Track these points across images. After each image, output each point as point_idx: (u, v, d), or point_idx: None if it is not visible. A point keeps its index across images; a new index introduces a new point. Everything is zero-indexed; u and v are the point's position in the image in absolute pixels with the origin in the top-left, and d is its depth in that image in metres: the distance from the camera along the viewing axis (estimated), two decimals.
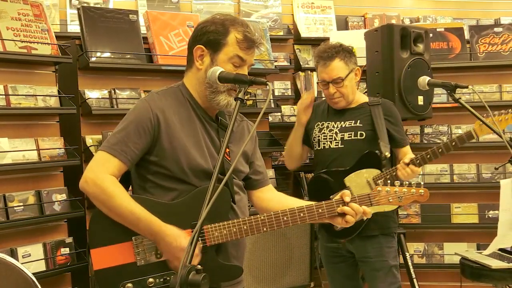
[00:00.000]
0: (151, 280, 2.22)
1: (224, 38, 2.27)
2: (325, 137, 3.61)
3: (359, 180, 3.46)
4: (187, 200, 2.25)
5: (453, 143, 3.22)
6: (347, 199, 2.31)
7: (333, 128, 3.60)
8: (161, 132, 2.26)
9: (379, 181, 3.40)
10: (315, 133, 3.67)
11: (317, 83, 3.59)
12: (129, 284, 2.21)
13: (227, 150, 2.37)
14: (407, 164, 3.32)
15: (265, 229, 2.25)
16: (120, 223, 2.21)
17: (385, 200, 2.37)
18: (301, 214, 2.29)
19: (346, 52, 3.53)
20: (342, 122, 3.58)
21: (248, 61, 2.32)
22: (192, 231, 2.15)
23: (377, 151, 3.45)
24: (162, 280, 2.22)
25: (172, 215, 2.21)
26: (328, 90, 3.52)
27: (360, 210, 2.31)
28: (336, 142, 3.55)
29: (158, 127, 2.26)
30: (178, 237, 2.17)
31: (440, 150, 3.26)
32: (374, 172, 3.44)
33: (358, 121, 3.54)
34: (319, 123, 3.68)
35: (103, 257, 2.22)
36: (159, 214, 2.19)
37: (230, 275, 2.32)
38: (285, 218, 2.27)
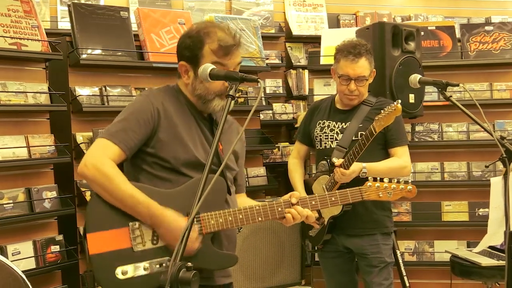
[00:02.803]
0: (146, 265, 2.22)
1: (200, 52, 2.31)
2: (326, 137, 3.60)
3: (319, 187, 3.57)
4: (183, 189, 2.28)
5: (363, 142, 3.27)
6: (294, 200, 2.38)
7: (334, 128, 3.59)
8: (160, 125, 2.30)
9: (324, 185, 3.52)
10: (316, 131, 3.66)
11: (339, 77, 3.50)
12: (125, 269, 2.21)
13: (220, 147, 2.42)
14: (339, 167, 3.35)
15: (260, 218, 2.32)
16: (117, 209, 2.22)
17: (375, 194, 2.49)
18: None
19: (370, 53, 3.53)
20: (344, 124, 3.57)
21: (230, 65, 2.33)
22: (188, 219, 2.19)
23: (328, 159, 3.51)
24: (158, 266, 2.23)
25: (168, 203, 2.23)
26: (349, 86, 3.48)
27: (304, 213, 2.38)
28: (337, 142, 3.55)
29: (158, 120, 2.30)
30: (177, 220, 2.19)
31: (356, 150, 3.30)
32: (327, 178, 3.51)
33: (359, 121, 3.54)
34: (320, 121, 3.67)
35: (99, 242, 2.23)
36: (156, 201, 2.22)
37: (225, 263, 2.35)
38: (279, 209, 2.35)
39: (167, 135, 2.30)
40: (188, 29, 2.42)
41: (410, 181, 2.55)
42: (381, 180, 2.51)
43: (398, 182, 2.52)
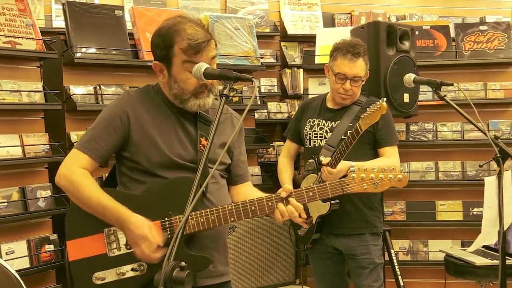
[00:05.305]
0: (121, 270, 2.27)
1: (170, 51, 2.27)
2: (316, 135, 3.60)
3: (307, 186, 3.53)
4: (156, 192, 2.29)
5: (349, 140, 3.25)
6: (284, 194, 2.26)
7: (323, 127, 3.58)
8: (131, 129, 2.31)
9: (312, 184, 3.47)
10: (306, 130, 3.65)
11: (335, 75, 3.48)
12: (100, 275, 2.27)
13: (205, 142, 2.37)
14: (326, 166, 3.34)
15: (232, 219, 2.25)
16: (92, 216, 2.27)
17: (359, 187, 2.25)
18: (269, 203, 2.27)
19: (367, 54, 3.53)
20: (333, 123, 3.56)
21: (203, 61, 2.24)
22: (161, 222, 2.23)
23: (316, 157, 3.49)
24: (131, 270, 2.26)
25: (141, 206, 2.24)
26: (344, 85, 3.46)
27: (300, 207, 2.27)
28: (326, 141, 3.54)
29: (128, 124, 2.30)
30: (141, 226, 2.19)
31: (343, 148, 3.28)
32: (315, 177, 3.50)
33: (349, 120, 3.53)
34: (310, 119, 3.66)
35: (77, 249, 2.31)
36: (129, 206, 2.23)
37: (196, 265, 2.27)
38: (252, 208, 2.26)
39: (140, 138, 2.30)
40: (159, 26, 2.36)
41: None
42: (367, 169, 2.27)
43: (386, 171, 2.27)
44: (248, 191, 2.54)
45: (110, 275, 2.27)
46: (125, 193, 2.33)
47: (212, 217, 2.24)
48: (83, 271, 2.29)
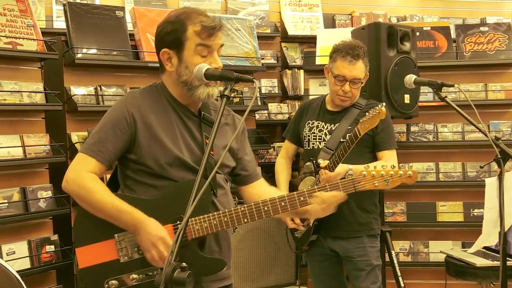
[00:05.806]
0: (134, 276, 2.24)
1: (183, 35, 2.26)
2: (315, 137, 3.60)
3: (305, 188, 3.53)
4: (166, 196, 2.27)
5: (347, 144, 3.25)
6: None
7: (322, 129, 3.59)
8: (138, 130, 2.28)
9: (310, 187, 3.48)
10: (305, 132, 3.66)
11: (335, 77, 3.48)
12: (113, 281, 2.24)
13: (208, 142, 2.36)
14: (324, 169, 3.33)
15: (245, 220, 2.25)
16: (102, 222, 2.24)
17: (371, 184, 2.29)
18: (282, 203, 2.27)
19: (367, 56, 3.53)
20: (332, 125, 3.57)
21: (215, 46, 2.28)
22: (173, 226, 2.21)
23: (314, 159, 3.49)
24: (144, 275, 2.24)
25: (151, 210, 2.23)
26: (344, 87, 3.47)
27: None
28: (324, 144, 3.54)
29: (135, 125, 2.28)
30: (159, 228, 2.18)
31: (341, 152, 3.27)
32: (313, 179, 3.50)
33: (348, 123, 3.53)
34: (309, 121, 3.67)
35: (87, 256, 2.27)
36: (140, 210, 2.21)
37: (211, 268, 2.30)
38: (265, 208, 2.26)
39: (146, 139, 2.28)
40: (166, 17, 2.37)
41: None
42: (377, 167, 2.32)
43: (395, 168, 2.31)
44: (264, 192, 2.52)
45: (122, 281, 2.24)
46: (133, 197, 2.29)
47: (225, 219, 2.23)
48: (95, 278, 2.25)
